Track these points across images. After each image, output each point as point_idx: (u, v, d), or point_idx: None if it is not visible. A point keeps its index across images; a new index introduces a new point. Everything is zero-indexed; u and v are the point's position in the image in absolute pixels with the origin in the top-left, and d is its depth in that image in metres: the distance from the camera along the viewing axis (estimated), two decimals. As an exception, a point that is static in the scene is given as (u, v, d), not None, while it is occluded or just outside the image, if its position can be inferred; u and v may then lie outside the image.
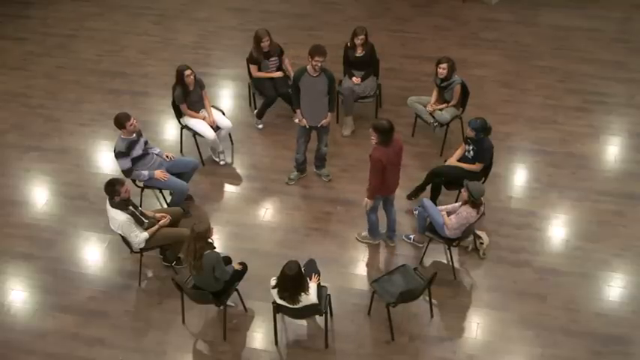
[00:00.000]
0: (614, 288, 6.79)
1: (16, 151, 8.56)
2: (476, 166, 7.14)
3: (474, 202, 6.42)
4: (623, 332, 6.41)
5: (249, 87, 8.87)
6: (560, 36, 10.16)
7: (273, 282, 5.89)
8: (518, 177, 8.00)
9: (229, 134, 8.43)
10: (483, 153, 7.12)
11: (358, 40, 8.15)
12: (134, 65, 9.88)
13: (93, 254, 7.31)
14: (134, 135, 7.12)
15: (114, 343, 6.49)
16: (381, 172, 6.41)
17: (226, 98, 9.23)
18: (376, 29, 10.31)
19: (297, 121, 7.55)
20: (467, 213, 6.45)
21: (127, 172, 7.17)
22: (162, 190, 7.61)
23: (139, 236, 6.54)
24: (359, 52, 8.25)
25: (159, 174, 7.22)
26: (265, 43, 8.25)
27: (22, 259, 7.27)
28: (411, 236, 7.22)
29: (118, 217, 6.45)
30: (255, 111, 8.76)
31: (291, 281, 5.71)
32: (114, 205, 6.47)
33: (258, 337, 6.50)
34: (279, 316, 6.32)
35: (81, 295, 6.91)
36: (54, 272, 7.13)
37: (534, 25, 10.43)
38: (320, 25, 10.57)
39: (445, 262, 7.07)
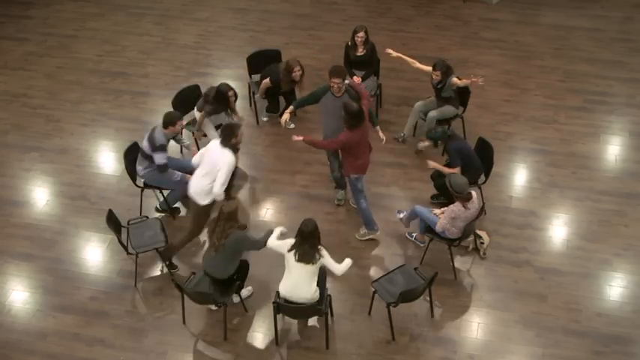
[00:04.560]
0: (615, 288, 6.79)
1: (16, 151, 8.56)
2: (454, 170, 7.06)
3: (459, 196, 6.41)
4: (624, 332, 6.40)
5: (249, 87, 8.87)
6: (561, 36, 10.16)
7: (289, 246, 6.00)
8: (519, 177, 8.00)
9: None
10: (452, 157, 7.13)
11: (358, 38, 8.15)
12: (135, 65, 9.89)
13: (93, 254, 7.31)
14: (171, 137, 7.16)
15: (114, 343, 6.49)
16: (343, 150, 6.82)
17: (227, 98, 9.22)
18: (377, 29, 10.31)
19: (282, 123, 7.33)
20: (455, 208, 6.46)
21: (162, 168, 7.11)
22: (163, 191, 7.60)
23: (225, 184, 6.56)
24: (360, 52, 8.25)
25: (189, 177, 7.03)
26: (297, 73, 8.04)
27: (22, 259, 7.27)
28: (414, 234, 7.22)
29: (228, 157, 6.52)
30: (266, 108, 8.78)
31: (309, 237, 5.88)
32: (227, 146, 6.58)
33: (259, 337, 6.50)
34: (279, 316, 6.33)
35: (81, 296, 6.91)
36: (54, 272, 7.13)
37: (535, 24, 10.43)
38: (320, 25, 10.57)
39: (446, 262, 7.07)
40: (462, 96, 8.09)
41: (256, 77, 8.70)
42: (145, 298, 6.87)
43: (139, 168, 7.29)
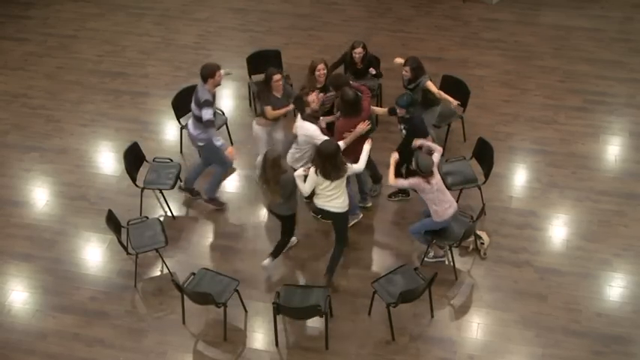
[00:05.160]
0: (615, 288, 6.79)
1: (16, 151, 8.56)
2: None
3: (423, 175, 6.40)
4: (624, 332, 6.40)
5: (249, 87, 8.87)
6: (561, 36, 10.15)
7: (316, 174, 6.32)
8: (519, 177, 7.99)
9: (229, 134, 8.44)
10: (414, 129, 7.01)
11: (357, 55, 7.96)
12: (135, 65, 9.88)
13: (93, 255, 7.31)
14: (214, 91, 7.07)
15: (114, 343, 6.49)
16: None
17: (226, 98, 9.23)
18: (377, 29, 10.32)
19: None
20: (417, 181, 6.46)
21: (209, 123, 6.99)
22: (163, 191, 7.60)
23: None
24: (359, 66, 8.13)
25: (231, 150, 7.03)
26: (321, 72, 7.41)
27: (22, 259, 7.27)
28: (431, 254, 7.08)
29: (308, 129, 6.69)
30: None
31: (330, 157, 6.19)
32: (305, 119, 6.75)
33: (259, 337, 6.50)
34: (279, 316, 6.33)
35: (81, 296, 6.91)
36: (54, 273, 7.13)
37: (535, 24, 10.42)
38: (320, 25, 10.57)
39: (446, 262, 7.07)
40: (462, 96, 8.07)
41: (256, 78, 8.69)
42: (145, 299, 6.87)
43: (196, 132, 7.21)
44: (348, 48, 8.09)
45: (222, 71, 7.10)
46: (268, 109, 7.23)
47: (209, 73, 6.98)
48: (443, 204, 6.53)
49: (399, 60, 7.76)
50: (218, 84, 7.09)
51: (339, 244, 6.76)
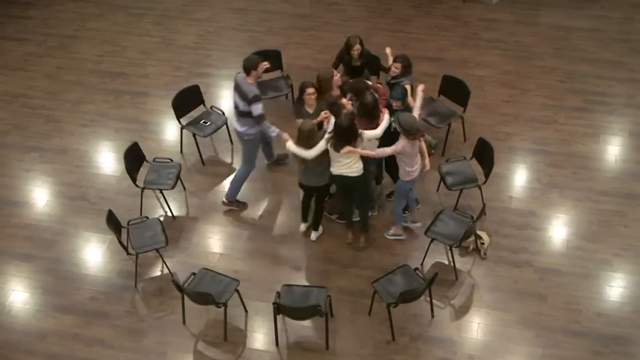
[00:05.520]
0: (615, 288, 6.79)
1: (16, 151, 8.56)
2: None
3: (408, 133, 6.42)
4: (624, 332, 6.40)
5: (249, 87, 8.86)
6: (561, 36, 10.15)
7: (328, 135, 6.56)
8: (519, 177, 8.00)
9: (229, 135, 8.45)
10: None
11: (355, 52, 7.90)
12: (135, 66, 9.88)
13: (93, 255, 7.31)
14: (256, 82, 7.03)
15: (114, 343, 6.49)
16: None
17: (227, 99, 9.22)
18: (376, 29, 10.32)
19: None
20: (402, 144, 6.50)
21: (260, 118, 6.99)
22: (163, 191, 7.60)
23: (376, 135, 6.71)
24: (357, 64, 8.09)
25: (286, 136, 6.97)
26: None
27: (22, 259, 7.27)
28: (391, 231, 7.30)
29: (373, 132, 6.66)
30: None
31: (344, 132, 6.41)
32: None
33: (259, 337, 6.50)
34: (279, 317, 6.33)
35: (81, 296, 6.91)
36: (54, 273, 7.13)
37: (535, 25, 10.42)
38: (320, 25, 10.57)
39: (446, 262, 7.07)
40: (462, 97, 8.08)
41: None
42: (145, 299, 6.87)
43: (244, 128, 7.16)
44: (342, 47, 8.05)
45: (264, 63, 7.01)
46: (298, 122, 7.08)
47: (252, 65, 6.89)
48: (415, 165, 6.70)
49: (389, 51, 7.85)
50: (260, 76, 7.04)
51: (366, 204, 7.14)
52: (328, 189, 7.15)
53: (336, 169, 6.70)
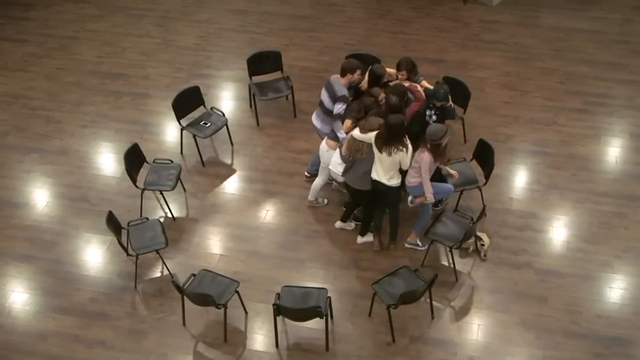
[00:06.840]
0: (616, 290, 6.79)
1: (16, 152, 8.56)
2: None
3: (434, 143, 6.45)
4: (625, 334, 6.40)
5: (249, 88, 8.86)
6: (561, 37, 10.16)
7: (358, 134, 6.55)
8: (519, 178, 8.00)
9: (229, 136, 8.45)
10: (446, 114, 7.14)
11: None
12: (135, 67, 9.89)
13: (94, 256, 7.31)
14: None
15: (114, 344, 6.49)
16: None
17: (227, 100, 9.23)
18: (377, 31, 10.32)
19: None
20: (427, 163, 6.50)
21: (337, 117, 7.05)
22: (163, 192, 7.60)
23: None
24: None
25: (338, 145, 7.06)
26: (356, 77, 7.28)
27: (22, 260, 7.27)
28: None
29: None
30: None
31: (391, 130, 6.36)
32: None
33: (259, 339, 6.50)
34: (279, 318, 6.33)
35: (81, 297, 6.91)
36: (55, 274, 7.13)
37: (535, 26, 10.43)
38: (320, 26, 10.57)
39: (446, 263, 7.07)
40: (463, 98, 8.08)
41: (257, 79, 8.69)
42: (145, 300, 6.87)
43: (326, 128, 7.26)
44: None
45: (359, 72, 7.09)
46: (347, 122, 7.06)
47: (351, 69, 7.02)
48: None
49: (391, 71, 7.53)
50: (353, 82, 7.15)
51: (395, 210, 7.05)
52: (372, 196, 6.96)
53: (375, 175, 6.69)
